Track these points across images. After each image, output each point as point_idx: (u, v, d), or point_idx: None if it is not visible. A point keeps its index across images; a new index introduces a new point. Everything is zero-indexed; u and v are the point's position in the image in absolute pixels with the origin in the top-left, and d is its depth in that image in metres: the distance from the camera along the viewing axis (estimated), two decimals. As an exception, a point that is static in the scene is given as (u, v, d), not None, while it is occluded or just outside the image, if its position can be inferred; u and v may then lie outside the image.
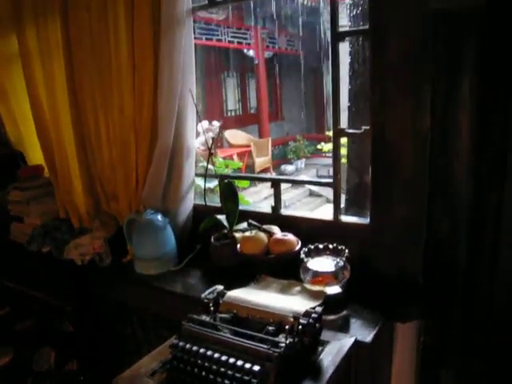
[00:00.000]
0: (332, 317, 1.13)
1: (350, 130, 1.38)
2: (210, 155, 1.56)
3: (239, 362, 0.86)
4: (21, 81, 1.88)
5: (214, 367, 0.87)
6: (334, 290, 1.18)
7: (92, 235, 1.69)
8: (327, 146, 6.73)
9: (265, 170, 7.89)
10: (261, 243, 1.38)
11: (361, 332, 1.07)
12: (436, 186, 1.16)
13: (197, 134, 1.60)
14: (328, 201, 6.68)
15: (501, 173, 1.06)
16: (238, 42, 8.15)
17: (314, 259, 1.26)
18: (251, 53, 8.57)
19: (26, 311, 1.91)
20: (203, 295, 1.07)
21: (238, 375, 0.85)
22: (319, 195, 7.23)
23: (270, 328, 0.95)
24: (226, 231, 1.52)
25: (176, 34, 1.43)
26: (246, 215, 1.52)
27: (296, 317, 0.95)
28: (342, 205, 1.76)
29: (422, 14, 1.07)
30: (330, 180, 1.42)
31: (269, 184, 1.64)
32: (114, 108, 1.61)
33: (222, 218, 1.52)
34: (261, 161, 7.79)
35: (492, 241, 1.11)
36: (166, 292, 1.41)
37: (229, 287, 1.12)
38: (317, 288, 1.16)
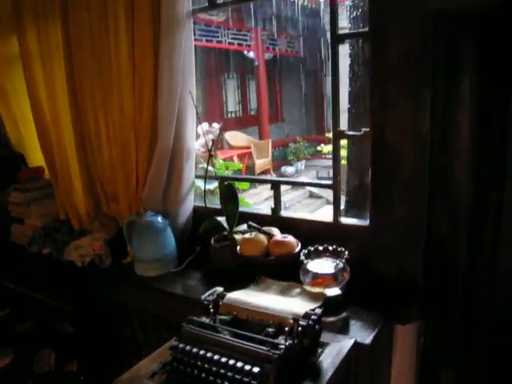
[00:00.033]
0: (332, 318, 1.13)
1: (350, 132, 1.38)
2: (210, 157, 1.56)
3: (239, 364, 0.86)
4: (21, 82, 1.88)
5: (214, 369, 0.87)
6: (333, 291, 1.18)
7: (92, 237, 1.69)
8: (327, 148, 6.74)
9: (265, 172, 7.90)
10: (261, 245, 1.38)
11: (360, 334, 1.07)
12: (436, 186, 1.16)
13: (197, 135, 1.60)
14: (328, 202, 6.68)
15: (501, 173, 1.06)
16: (239, 44, 8.16)
17: (313, 261, 1.26)
18: (251, 54, 8.57)
19: (27, 312, 1.91)
20: (203, 297, 1.07)
21: (237, 377, 0.85)
22: (319, 197, 7.24)
23: (270, 330, 0.95)
24: (225, 233, 1.52)
25: (176, 36, 1.43)
26: (246, 217, 1.52)
27: (296, 318, 0.95)
28: (342, 206, 1.76)
29: (422, 14, 1.07)
30: (330, 182, 1.42)
31: (269, 185, 1.64)
32: (113, 108, 1.61)
33: (221, 219, 1.52)
34: (261, 162, 7.79)
35: (492, 241, 1.11)
36: (166, 294, 1.41)
37: (229, 289, 1.12)
38: (316, 290, 1.16)
